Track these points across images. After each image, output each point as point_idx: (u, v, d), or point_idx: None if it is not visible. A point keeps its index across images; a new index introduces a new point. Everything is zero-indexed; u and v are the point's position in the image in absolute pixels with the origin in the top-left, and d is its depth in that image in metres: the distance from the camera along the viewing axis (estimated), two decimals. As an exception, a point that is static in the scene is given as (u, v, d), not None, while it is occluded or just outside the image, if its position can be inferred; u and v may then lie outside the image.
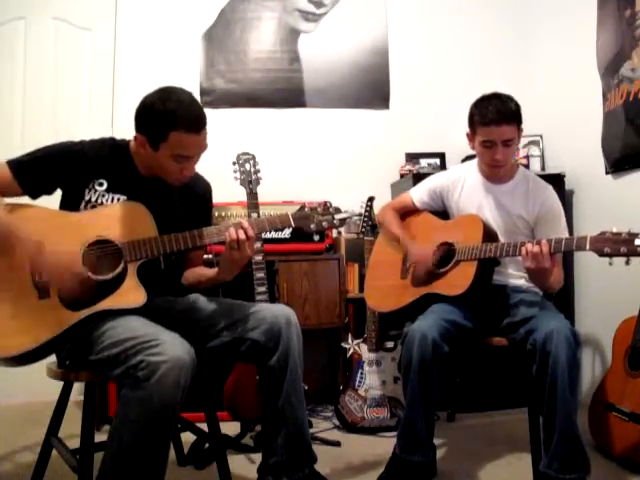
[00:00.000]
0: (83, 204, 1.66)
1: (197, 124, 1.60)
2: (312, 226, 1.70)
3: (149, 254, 1.60)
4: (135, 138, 1.64)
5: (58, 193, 1.71)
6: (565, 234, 2.04)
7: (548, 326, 1.79)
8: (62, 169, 1.64)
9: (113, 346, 1.44)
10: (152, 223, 1.63)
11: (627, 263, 1.61)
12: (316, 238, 1.73)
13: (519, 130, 2.04)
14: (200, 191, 1.86)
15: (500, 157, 2.02)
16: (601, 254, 1.64)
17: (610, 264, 1.63)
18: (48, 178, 1.65)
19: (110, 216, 1.62)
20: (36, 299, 1.52)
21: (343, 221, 1.73)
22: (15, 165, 1.62)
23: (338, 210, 1.73)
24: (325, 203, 1.75)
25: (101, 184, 1.68)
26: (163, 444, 1.42)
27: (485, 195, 2.16)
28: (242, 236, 1.60)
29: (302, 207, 1.72)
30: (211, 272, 1.79)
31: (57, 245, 1.55)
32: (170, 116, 1.56)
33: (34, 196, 1.67)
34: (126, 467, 1.37)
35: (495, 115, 1.97)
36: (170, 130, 1.57)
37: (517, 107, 2.02)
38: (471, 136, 2.10)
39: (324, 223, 1.71)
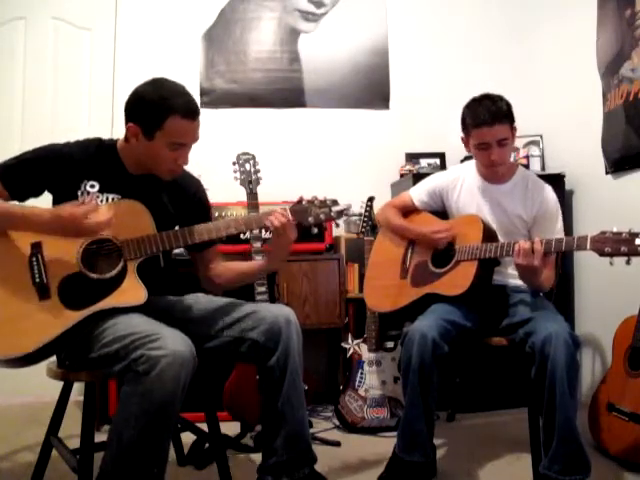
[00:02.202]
0: None
1: (192, 111, 1.61)
2: (310, 219, 1.69)
3: (149, 252, 1.60)
4: (128, 129, 1.63)
5: (47, 196, 1.69)
6: (561, 235, 2.05)
7: (547, 329, 1.79)
8: (50, 172, 1.63)
9: (114, 342, 1.44)
10: (150, 221, 1.63)
11: (628, 263, 1.61)
12: (314, 231, 1.73)
13: (512, 129, 2.04)
14: (191, 189, 1.84)
15: (496, 157, 2.02)
16: (601, 254, 1.64)
17: (611, 264, 1.63)
18: (35, 181, 1.64)
19: (108, 215, 1.62)
20: (37, 300, 1.52)
21: (340, 213, 1.72)
22: (1, 169, 1.61)
23: (335, 202, 1.72)
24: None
25: (93, 186, 1.67)
26: (163, 442, 1.42)
27: (484, 195, 2.16)
28: (283, 219, 1.63)
29: (299, 201, 1.71)
30: (256, 264, 1.81)
31: (56, 245, 1.55)
32: (166, 103, 1.57)
33: (21, 199, 1.65)
34: (126, 466, 1.37)
35: (487, 116, 1.97)
36: (167, 117, 1.57)
37: (508, 106, 2.02)
38: (465, 140, 2.10)
39: (321, 216, 1.70)
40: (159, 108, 1.57)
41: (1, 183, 1.60)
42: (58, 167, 1.64)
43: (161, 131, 1.59)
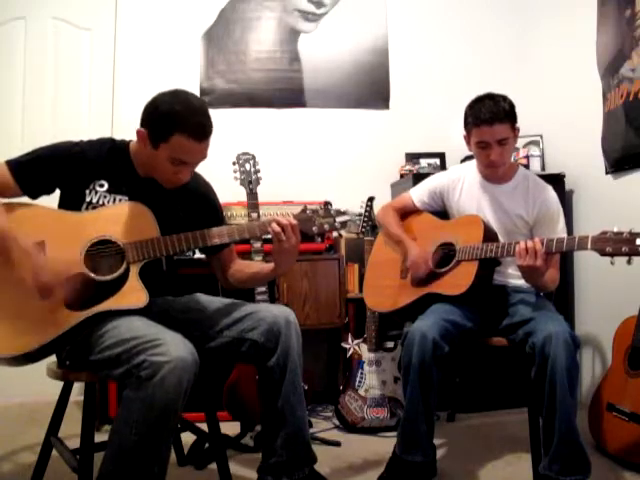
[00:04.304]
0: (85, 205, 1.65)
1: (201, 132, 1.59)
2: (314, 229, 1.69)
3: (152, 255, 1.60)
4: (137, 133, 1.63)
5: (57, 192, 1.70)
6: (563, 235, 2.05)
7: (547, 329, 1.79)
8: (62, 170, 1.64)
9: (115, 346, 1.44)
10: (154, 223, 1.63)
11: (629, 262, 1.61)
12: (318, 240, 1.73)
13: (514, 129, 2.03)
14: (201, 191, 1.84)
15: (495, 157, 2.02)
16: (603, 253, 1.64)
17: (612, 263, 1.63)
18: (47, 178, 1.64)
19: (112, 216, 1.62)
20: (38, 300, 1.51)
21: (344, 224, 1.72)
22: (14, 165, 1.62)
23: (339, 212, 1.72)
24: (326, 204, 1.74)
25: (102, 185, 1.68)
26: (164, 444, 1.42)
27: (484, 195, 2.16)
28: (285, 221, 1.62)
29: (304, 209, 1.71)
30: (267, 267, 1.78)
31: (59, 245, 1.55)
32: (175, 118, 1.56)
33: (33, 196, 1.67)
34: (127, 467, 1.37)
35: (488, 115, 1.97)
36: (172, 132, 1.56)
37: (511, 106, 2.02)
38: (467, 138, 2.10)
39: (325, 226, 1.70)
40: (168, 122, 1.56)
41: (13, 178, 1.60)
42: (70, 166, 1.64)
43: (165, 144, 1.58)
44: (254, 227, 1.68)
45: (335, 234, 3.02)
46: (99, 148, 1.70)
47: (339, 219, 1.70)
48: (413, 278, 2.12)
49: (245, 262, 1.90)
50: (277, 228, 1.62)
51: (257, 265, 1.88)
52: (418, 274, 2.09)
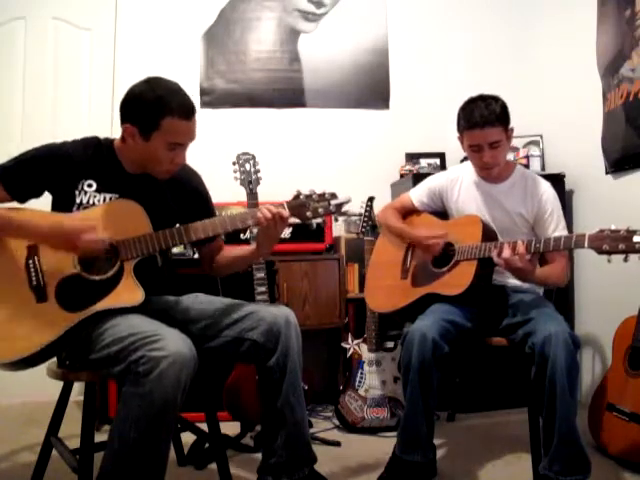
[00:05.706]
0: (75, 207, 1.65)
1: (189, 110, 1.61)
2: (308, 214, 1.66)
3: (144, 251, 1.59)
4: (124, 129, 1.62)
5: (48, 197, 1.69)
6: (564, 231, 2.06)
7: (547, 329, 1.79)
8: (48, 172, 1.63)
9: (114, 343, 1.44)
10: (146, 220, 1.63)
11: (625, 260, 1.61)
12: (313, 226, 1.70)
13: (507, 130, 2.03)
14: (191, 183, 1.83)
15: (488, 160, 2.02)
16: (600, 251, 1.64)
17: (609, 261, 1.63)
18: (34, 182, 1.64)
19: (104, 215, 1.62)
20: (34, 303, 1.52)
21: (340, 207, 1.67)
22: (1, 171, 1.61)
23: (334, 196, 1.68)
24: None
25: (90, 185, 1.67)
26: (164, 442, 1.42)
27: (483, 195, 2.17)
28: (275, 210, 1.63)
29: (297, 195, 1.68)
30: (248, 251, 1.78)
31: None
32: (162, 103, 1.56)
33: (22, 200, 1.65)
34: (127, 465, 1.37)
35: (478, 119, 1.97)
36: (163, 117, 1.56)
37: (502, 108, 2.01)
38: (461, 139, 2.10)
39: (320, 210, 1.66)
40: (155, 108, 1.57)
41: (2, 185, 1.60)
42: (57, 167, 1.64)
43: (158, 131, 1.58)
44: (246, 216, 1.66)
45: (335, 234, 3.02)
46: (85, 147, 1.69)
47: (334, 202, 1.66)
48: (416, 276, 2.10)
49: (230, 247, 1.90)
50: (268, 215, 1.62)
51: (240, 248, 1.87)
52: (436, 247, 2.07)
